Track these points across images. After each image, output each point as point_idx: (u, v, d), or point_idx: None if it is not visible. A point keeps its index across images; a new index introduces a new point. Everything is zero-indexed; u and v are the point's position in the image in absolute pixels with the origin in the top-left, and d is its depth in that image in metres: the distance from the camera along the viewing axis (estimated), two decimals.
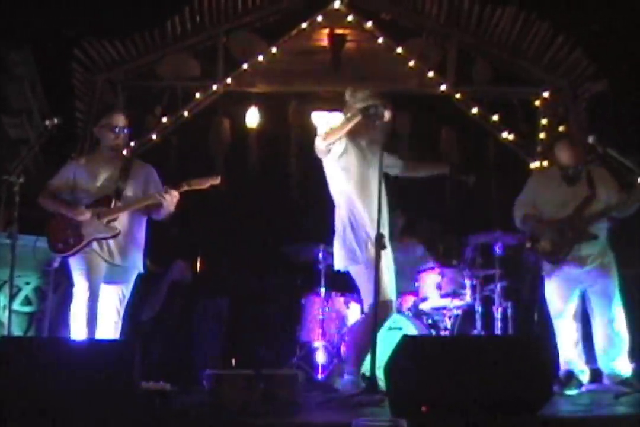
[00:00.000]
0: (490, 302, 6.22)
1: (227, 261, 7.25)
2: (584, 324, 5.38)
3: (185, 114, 7.35)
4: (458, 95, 7.34)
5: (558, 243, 5.28)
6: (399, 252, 6.68)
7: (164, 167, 5.68)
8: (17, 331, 5.69)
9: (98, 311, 4.86)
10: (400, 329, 5.77)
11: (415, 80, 7.42)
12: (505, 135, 7.32)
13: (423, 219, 7.30)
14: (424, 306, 6.21)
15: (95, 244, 4.89)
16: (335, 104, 5.05)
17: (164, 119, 7.31)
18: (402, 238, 6.88)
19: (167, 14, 7.13)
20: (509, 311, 6.19)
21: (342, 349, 5.90)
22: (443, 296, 6.13)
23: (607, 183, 5.39)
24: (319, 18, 7.39)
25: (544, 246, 5.32)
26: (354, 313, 6.28)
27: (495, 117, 7.32)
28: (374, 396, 4.05)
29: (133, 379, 3.59)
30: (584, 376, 5.31)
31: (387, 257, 4.63)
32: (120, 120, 5.10)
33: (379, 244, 4.34)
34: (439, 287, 6.13)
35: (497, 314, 6.08)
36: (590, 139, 5.01)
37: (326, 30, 7.41)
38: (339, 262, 4.79)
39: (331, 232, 4.85)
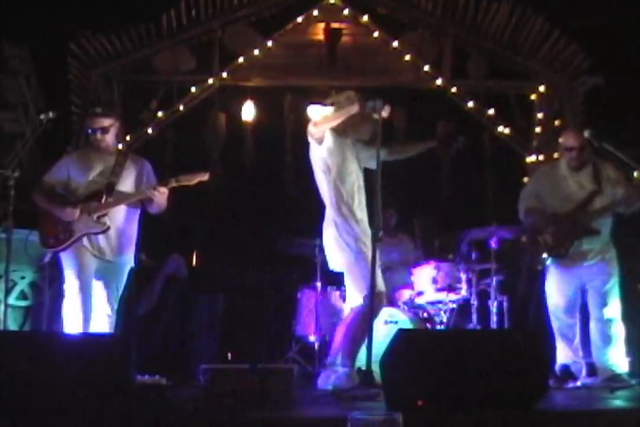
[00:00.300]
0: (486, 296, 6.22)
1: (223, 255, 7.25)
2: (582, 319, 5.39)
3: (181, 108, 7.35)
4: (454, 90, 7.34)
5: (560, 237, 5.25)
6: (393, 247, 6.71)
7: (159, 161, 5.67)
8: (12, 326, 5.69)
9: (91, 307, 4.86)
10: (396, 322, 5.77)
11: (411, 74, 7.42)
12: (501, 129, 7.33)
13: (418, 214, 7.30)
14: (419, 300, 6.21)
15: (85, 240, 4.88)
16: (330, 98, 5.04)
17: (160, 113, 7.30)
18: (396, 233, 6.89)
19: (163, 8, 7.12)
20: (505, 304, 6.19)
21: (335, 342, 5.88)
22: (439, 290, 6.12)
23: (612, 178, 5.32)
24: (315, 12, 7.40)
25: (546, 239, 5.30)
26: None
27: (491, 111, 7.33)
28: (370, 390, 4.04)
29: (129, 373, 3.60)
30: (580, 371, 5.31)
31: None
32: (95, 122, 5.00)
33: (375, 237, 4.33)
34: (434, 281, 6.11)
35: (493, 308, 6.09)
36: (586, 133, 5.01)
37: (322, 24, 7.41)
38: (332, 260, 4.78)
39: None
